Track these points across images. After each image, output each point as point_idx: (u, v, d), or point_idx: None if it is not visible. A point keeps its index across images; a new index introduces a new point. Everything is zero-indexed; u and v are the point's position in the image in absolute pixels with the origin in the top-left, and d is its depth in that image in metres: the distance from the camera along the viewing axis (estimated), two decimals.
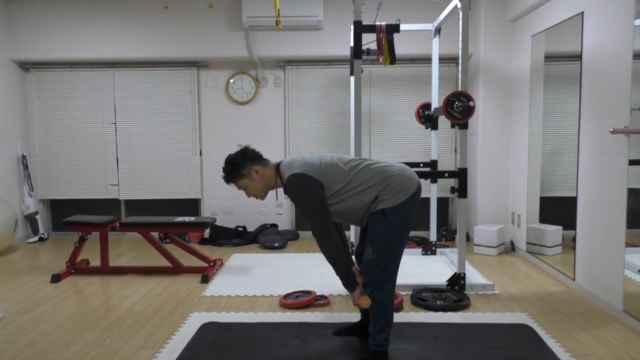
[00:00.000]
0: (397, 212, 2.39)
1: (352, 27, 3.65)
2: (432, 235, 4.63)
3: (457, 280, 3.53)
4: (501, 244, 4.78)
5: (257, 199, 2.61)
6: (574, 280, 3.63)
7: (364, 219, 2.50)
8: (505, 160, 4.99)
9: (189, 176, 5.56)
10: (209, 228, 5.15)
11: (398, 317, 3.07)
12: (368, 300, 2.42)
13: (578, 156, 3.56)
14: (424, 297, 3.35)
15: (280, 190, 2.68)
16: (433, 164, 4.55)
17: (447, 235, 5.32)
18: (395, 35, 3.81)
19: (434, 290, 3.48)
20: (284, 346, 2.67)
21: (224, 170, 2.57)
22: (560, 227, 4.06)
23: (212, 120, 5.55)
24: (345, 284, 2.44)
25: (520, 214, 4.67)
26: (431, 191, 4.60)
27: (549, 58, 4.14)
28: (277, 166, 2.56)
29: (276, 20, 4.48)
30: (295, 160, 2.51)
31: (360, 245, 2.69)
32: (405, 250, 4.30)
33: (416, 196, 2.44)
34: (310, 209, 2.39)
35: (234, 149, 5.54)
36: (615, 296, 3.11)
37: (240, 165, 2.53)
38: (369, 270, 2.42)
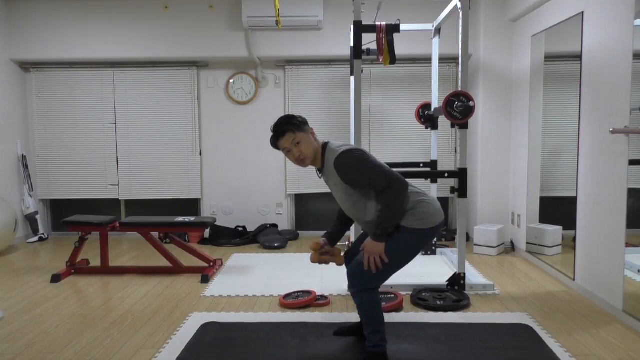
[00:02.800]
0: (412, 235, 2.40)
1: (352, 27, 3.65)
2: None
3: (457, 280, 3.53)
4: (501, 244, 4.78)
5: (301, 161, 2.46)
6: (574, 280, 3.63)
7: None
8: (505, 160, 4.99)
9: (189, 176, 5.56)
10: (209, 228, 5.15)
11: (398, 317, 3.08)
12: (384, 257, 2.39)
13: (578, 156, 3.56)
14: (424, 297, 3.35)
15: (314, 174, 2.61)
16: (433, 164, 4.55)
17: (447, 235, 5.32)
18: (395, 35, 3.81)
19: (434, 290, 3.48)
20: (284, 346, 2.67)
21: (286, 119, 2.46)
22: (560, 227, 4.06)
23: (212, 120, 5.55)
24: (384, 233, 2.35)
25: (520, 214, 4.67)
26: (431, 191, 4.60)
27: (549, 58, 4.14)
28: (324, 144, 2.51)
29: (276, 20, 4.48)
30: (345, 143, 2.49)
31: (353, 248, 2.69)
32: None
33: (435, 231, 2.44)
34: (376, 168, 2.34)
35: (234, 149, 5.55)
36: (615, 296, 3.11)
37: (303, 122, 2.48)
38: (359, 273, 2.41)
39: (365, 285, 2.41)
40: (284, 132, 2.45)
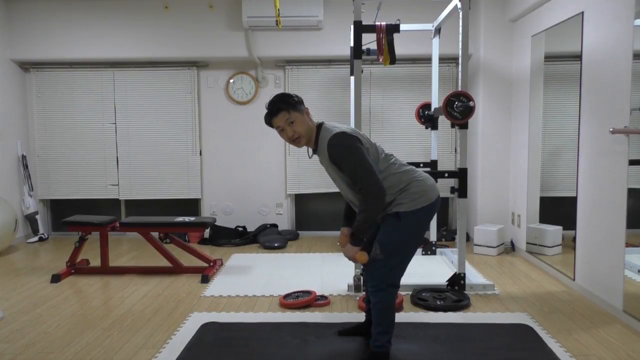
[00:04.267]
0: (412, 218, 2.38)
1: (352, 27, 3.65)
2: (432, 235, 4.63)
3: (457, 280, 3.53)
4: (501, 244, 4.78)
5: (295, 141, 2.44)
6: (574, 280, 3.63)
7: None
8: (505, 160, 4.99)
9: (189, 176, 5.56)
10: (209, 228, 5.15)
11: (398, 317, 3.07)
12: (365, 256, 2.39)
13: (578, 156, 3.56)
14: (424, 297, 3.35)
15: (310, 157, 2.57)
16: (433, 164, 4.55)
17: (447, 235, 5.32)
18: (395, 35, 3.81)
19: (434, 290, 3.48)
20: (284, 346, 2.67)
21: (281, 97, 2.42)
22: (560, 227, 4.06)
23: (212, 120, 5.55)
24: (359, 238, 2.35)
25: (520, 214, 4.67)
26: None
27: (549, 58, 4.14)
28: (319, 125, 2.48)
29: (276, 20, 4.48)
30: (340, 125, 2.45)
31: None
32: None
33: (433, 207, 2.42)
34: (360, 162, 2.30)
35: (234, 149, 5.55)
36: (615, 296, 3.11)
37: (298, 101, 2.45)
38: (374, 270, 2.40)
39: (385, 282, 2.40)
40: (278, 110, 2.41)
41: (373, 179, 2.29)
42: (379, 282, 2.40)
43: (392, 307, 2.43)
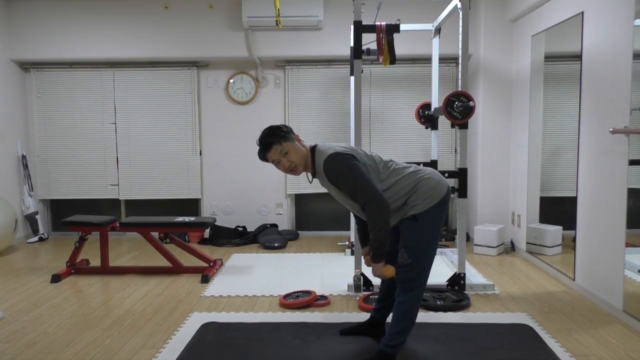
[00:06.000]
0: (429, 216, 2.40)
1: (352, 27, 3.65)
2: None
3: (457, 280, 3.53)
4: (501, 244, 4.78)
5: (292, 170, 2.47)
6: (574, 280, 3.63)
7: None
8: (505, 160, 4.99)
9: (189, 176, 5.56)
10: (209, 228, 5.15)
11: None
12: (392, 269, 2.40)
13: (578, 156, 3.56)
14: (424, 297, 3.35)
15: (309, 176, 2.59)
16: (433, 164, 4.55)
17: (447, 235, 5.32)
18: (395, 35, 3.81)
19: (434, 290, 3.48)
20: (284, 346, 2.67)
21: (269, 132, 2.44)
22: (560, 227, 4.06)
23: (212, 120, 5.55)
24: (378, 254, 2.35)
25: (520, 214, 4.67)
26: None
27: (549, 58, 4.14)
28: (312, 148, 2.49)
29: (276, 20, 4.48)
30: (333, 144, 2.47)
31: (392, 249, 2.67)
32: None
33: (445, 200, 2.44)
34: (358, 181, 2.31)
35: (234, 149, 5.55)
36: (615, 296, 3.11)
37: (286, 131, 2.46)
38: (402, 273, 2.41)
39: (414, 283, 2.40)
40: (270, 144, 2.43)
41: (372, 193, 2.30)
42: (408, 284, 2.41)
43: (416, 308, 2.44)
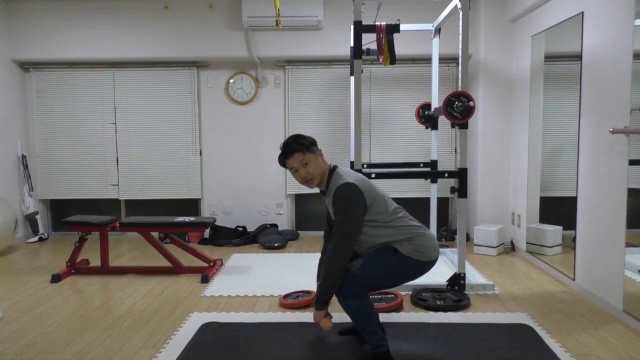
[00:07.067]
0: (406, 262, 2.42)
1: (352, 27, 3.65)
2: None
3: (457, 280, 3.53)
4: (501, 244, 4.78)
5: (308, 182, 2.50)
6: (574, 280, 3.63)
7: (369, 249, 2.51)
8: (505, 160, 4.99)
9: (188, 176, 5.56)
10: (209, 228, 5.15)
11: (398, 317, 3.08)
12: (330, 323, 2.44)
13: (578, 156, 3.56)
14: (424, 297, 3.35)
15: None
16: (433, 164, 4.55)
17: (447, 235, 5.32)
18: (395, 35, 3.81)
19: (434, 290, 3.49)
20: (284, 346, 2.67)
21: (296, 139, 2.47)
22: (560, 227, 4.06)
23: (212, 120, 5.55)
24: (321, 301, 2.41)
25: (520, 214, 4.67)
26: (431, 191, 4.60)
27: (549, 58, 4.14)
28: (333, 168, 2.53)
29: (276, 20, 4.48)
30: (354, 173, 2.50)
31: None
32: None
33: (428, 265, 2.47)
34: (349, 220, 2.36)
35: (234, 149, 5.55)
36: (615, 296, 3.11)
37: (312, 142, 2.50)
38: (348, 280, 2.40)
39: (353, 293, 2.40)
40: (293, 151, 2.46)
41: (348, 234, 2.35)
42: (345, 292, 2.39)
43: (364, 307, 2.42)
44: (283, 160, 2.51)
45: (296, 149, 2.46)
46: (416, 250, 2.42)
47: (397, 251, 2.42)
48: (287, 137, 2.52)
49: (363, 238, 2.47)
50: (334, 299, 2.45)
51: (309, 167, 2.47)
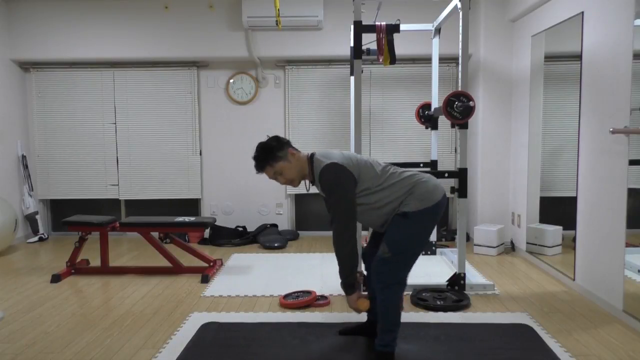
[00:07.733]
0: (418, 216, 2.40)
1: (352, 27, 3.65)
2: (432, 235, 4.63)
3: (457, 280, 3.53)
4: (501, 244, 4.78)
5: (291, 184, 2.54)
6: (574, 280, 3.63)
7: (384, 224, 2.48)
8: (505, 160, 4.99)
9: (189, 176, 5.56)
10: (209, 228, 5.15)
11: None
12: (367, 303, 2.43)
13: (578, 156, 3.56)
14: (424, 297, 3.35)
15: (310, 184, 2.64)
16: (433, 164, 4.55)
17: (447, 235, 5.32)
18: (395, 35, 3.81)
19: (434, 290, 3.48)
20: (284, 346, 2.67)
21: (261, 153, 2.50)
22: (560, 227, 4.06)
23: (212, 120, 5.55)
24: (345, 285, 2.43)
25: (520, 214, 4.67)
26: None
27: (549, 58, 4.14)
28: (311, 156, 2.53)
29: (276, 20, 4.48)
30: (332, 152, 2.50)
31: (369, 247, 2.68)
32: None
33: (439, 206, 2.44)
34: (340, 201, 2.37)
35: (234, 149, 5.55)
36: (615, 296, 3.11)
37: (278, 148, 2.51)
38: (381, 267, 2.40)
39: (393, 279, 2.40)
40: (262, 167, 2.52)
41: (345, 216, 2.37)
42: (385, 279, 2.39)
43: (397, 306, 2.43)
44: (258, 173, 2.57)
45: (264, 165, 2.51)
46: (421, 200, 2.40)
47: (406, 213, 2.39)
48: (255, 147, 2.54)
49: (366, 210, 2.46)
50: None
51: (285, 174, 2.51)
